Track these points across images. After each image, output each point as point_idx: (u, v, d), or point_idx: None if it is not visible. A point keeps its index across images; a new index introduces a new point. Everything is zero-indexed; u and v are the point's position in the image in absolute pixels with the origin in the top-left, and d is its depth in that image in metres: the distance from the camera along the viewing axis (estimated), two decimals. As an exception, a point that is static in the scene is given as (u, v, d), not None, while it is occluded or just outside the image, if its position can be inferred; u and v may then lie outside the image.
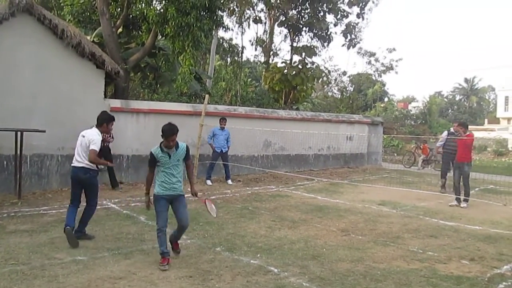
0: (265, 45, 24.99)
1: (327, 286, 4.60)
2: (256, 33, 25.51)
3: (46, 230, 6.38)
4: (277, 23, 23.77)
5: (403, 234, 6.93)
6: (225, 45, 24.25)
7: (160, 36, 13.06)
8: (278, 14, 23.55)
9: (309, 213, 8.29)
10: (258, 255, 5.58)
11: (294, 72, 21.27)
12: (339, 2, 22.62)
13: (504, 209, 8.95)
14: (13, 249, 5.44)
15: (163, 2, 11.95)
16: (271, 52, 25.31)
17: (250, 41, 25.43)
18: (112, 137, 9.84)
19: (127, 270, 4.82)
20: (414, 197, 10.23)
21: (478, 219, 8.20)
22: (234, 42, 25.09)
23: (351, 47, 25.28)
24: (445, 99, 64.77)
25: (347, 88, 42.53)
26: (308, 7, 21.89)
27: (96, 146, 5.75)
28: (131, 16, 13.66)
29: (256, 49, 26.60)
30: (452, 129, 10.92)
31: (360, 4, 22.90)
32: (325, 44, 23.79)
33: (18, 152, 8.37)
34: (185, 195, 5.37)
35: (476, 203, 9.69)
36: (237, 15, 23.43)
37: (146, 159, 11.10)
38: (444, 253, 5.95)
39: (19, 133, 8.34)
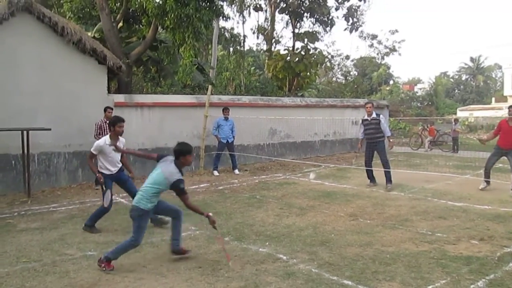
0: (267, 33, 24.87)
1: (336, 271, 4.61)
2: (257, 21, 25.48)
3: (57, 227, 6.44)
4: (278, 10, 23.62)
5: (411, 217, 6.91)
6: (227, 35, 24.13)
7: (161, 29, 13.02)
8: (278, 0, 23.36)
9: (316, 200, 8.29)
10: (267, 243, 5.60)
11: (297, 59, 21.18)
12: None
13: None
14: (24, 247, 5.51)
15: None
16: (273, 40, 25.20)
17: (252, 29, 25.41)
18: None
19: (137, 263, 4.86)
20: (422, 179, 10.20)
21: (487, 199, 8.16)
22: (235, 31, 24.98)
23: (354, 30, 25.15)
24: (451, 80, 64.15)
25: (351, 73, 42.31)
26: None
27: (92, 148, 6.29)
28: (130, 10, 13.62)
29: (258, 37, 26.46)
30: (365, 117, 9.53)
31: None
32: (327, 29, 23.65)
33: (25, 151, 8.43)
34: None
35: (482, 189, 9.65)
36: (237, 3, 23.27)
37: (152, 153, 11.17)
38: (453, 234, 5.93)
39: (25, 132, 8.38)
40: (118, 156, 6.43)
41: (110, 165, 6.36)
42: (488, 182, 9.22)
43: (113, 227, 6.45)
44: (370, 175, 9.73)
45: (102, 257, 4.68)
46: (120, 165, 6.51)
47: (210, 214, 4.93)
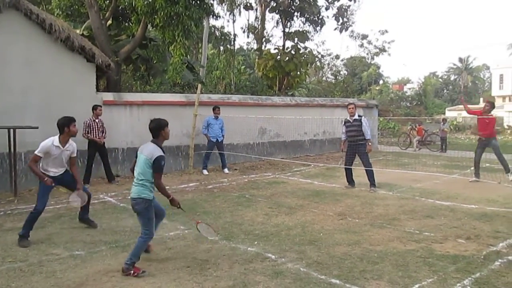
0: (257, 31, 24.87)
1: (324, 270, 4.62)
2: (248, 20, 25.41)
3: (43, 226, 6.37)
4: (268, 9, 23.64)
5: (399, 216, 6.96)
6: (217, 34, 24.07)
7: (150, 27, 12.94)
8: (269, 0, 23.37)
9: (305, 199, 8.31)
10: (256, 242, 5.60)
11: (287, 58, 21.22)
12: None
13: (499, 187, 9.01)
14: (10, 246, 5.44)
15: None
16: (264, 39, 25.22)
17: (242, 28, 25.41)
18: (104, 132, 9.79)
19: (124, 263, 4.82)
20: (410, 178, 10.27)
21: (474, 198, 8.24)
22: (225, 30, 24.93)
23: (344, 30, 25.27)
24: (440, 80, 64.76)
25: (341, 72, 42.54)
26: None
27: (37, 150, 5.66)
28: (120, 7, 13.53)
29: (248, 36, 26.45)
30: (348, 118, 9.35)
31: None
32: (317, 28, 23.72)
33: (12, 149, 8.33)
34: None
35: (472, 182, 9.76)
36: (227, 2, 23.23)
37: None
38: (441, 233, 5.98)
39: (12, 130, 8.29)
40: (64, 157, 5.84)
41: (55, 167, 5.81)
42: (477, 176, 9.93)
43: (101, 226, 6.38)
44: (349, 178, 9.46)
45: (124, 266, 4.47)
46: (66, 166, 5.97)
47: (173, 197, 4.87)
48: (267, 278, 4.40)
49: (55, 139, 5.73)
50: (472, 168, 10.30)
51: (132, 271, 4.47)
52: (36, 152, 5.64)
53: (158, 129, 4.87)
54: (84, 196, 6.06)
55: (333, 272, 4.56)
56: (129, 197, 4.80)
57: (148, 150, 4.72)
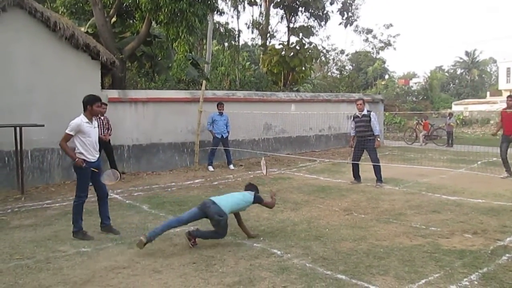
0: (262, 27, 24.81)
1: (330, 266, 4.61)
2: (252, 16, 25.39)
3: (50, 224, 6.41)
4: (272, 4, 23.56)
5: (405, 211, 6.93)
6: (221, 30, 24.05)
7: (154, 24, 12.94)
8: (273, -5, 23.30)
9: (311, 194, 8.30)
10: (261, 238, 5.59)
11: (292, 54, 21.15)
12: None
13: (507, 181, 8.95)
14: (17, 244, 5.47)
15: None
16: (268, 34, 25.14)
17: (246, 24, 25.34)
18: (110, 129, 9.81)
19: (131, 259, 4.85)
20: (416, 173, 10.22)
21: (481, 192, 8.19)
22: (230, 26, 24.89)
23: (348, 25, 25.15)
24: (446, 74, 64.29)
25: (346, 67, 42.38)
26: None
27: (68, 129, 5.57)
28: (124, 4, 13.52)
29: (252, 32, 26.45)
30: (357, 113, 9.28)
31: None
32: (322, 23, 23.62)
33: (19, 147, 8.38)
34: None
35: (479, 176, 9.72)
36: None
37: (146, 148, 11.20)
38: (447, 228, 5.95)
39: (18, 128, 8.34)
40: (97, 137, 5.81)
41: (90, 149, 5.64)
42: (509, 172, 9.62)
43: (107, 223, 6.40)
44: (356, 174, 9.43)
45: (191, 232, 5.26)
46: (98, 151, 5.88)
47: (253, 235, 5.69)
48: (272, 274, 4.40)
49: (82, 117, 5.66)
50: (479, 162, 10.25)
51: (193, 241, 5.23)
52: (67, 131, 5.56)
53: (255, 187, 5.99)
54: (116, 173, 6.01)
55: (339, 268, 4.55)
56: (212, 203, 5.23)
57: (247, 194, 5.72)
